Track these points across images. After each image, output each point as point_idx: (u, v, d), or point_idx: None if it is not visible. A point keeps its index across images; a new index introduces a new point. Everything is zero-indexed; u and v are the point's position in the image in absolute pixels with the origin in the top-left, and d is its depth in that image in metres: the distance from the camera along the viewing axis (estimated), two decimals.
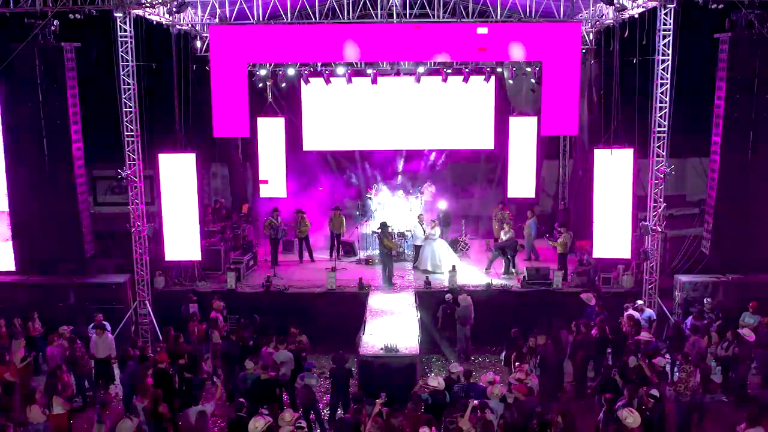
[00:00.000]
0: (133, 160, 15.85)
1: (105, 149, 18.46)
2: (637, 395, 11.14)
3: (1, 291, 16.17)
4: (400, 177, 22.28)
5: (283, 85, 21.95)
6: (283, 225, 19.24)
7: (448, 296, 15.75)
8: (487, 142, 22.28)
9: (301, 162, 22.82)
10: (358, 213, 21.36)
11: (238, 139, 22.68)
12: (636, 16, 15.31)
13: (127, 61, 15.42)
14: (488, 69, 20.33)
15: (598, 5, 16.49)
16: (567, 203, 21.54)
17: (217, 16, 16.94)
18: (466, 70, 20.21)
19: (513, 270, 17.84)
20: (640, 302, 15.16)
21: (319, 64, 19.65)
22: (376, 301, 16.22)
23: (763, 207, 15.81)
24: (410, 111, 21.94)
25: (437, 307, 15.87)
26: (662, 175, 15.47)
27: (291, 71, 20.99)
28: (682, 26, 14.80)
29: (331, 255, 19.56)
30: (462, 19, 16.35)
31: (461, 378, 12.05)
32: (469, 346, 15.72)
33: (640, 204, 16.26)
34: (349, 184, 22.97)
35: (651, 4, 14.67)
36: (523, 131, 20.82)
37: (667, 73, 15.14)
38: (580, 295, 15.54)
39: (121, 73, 15.44)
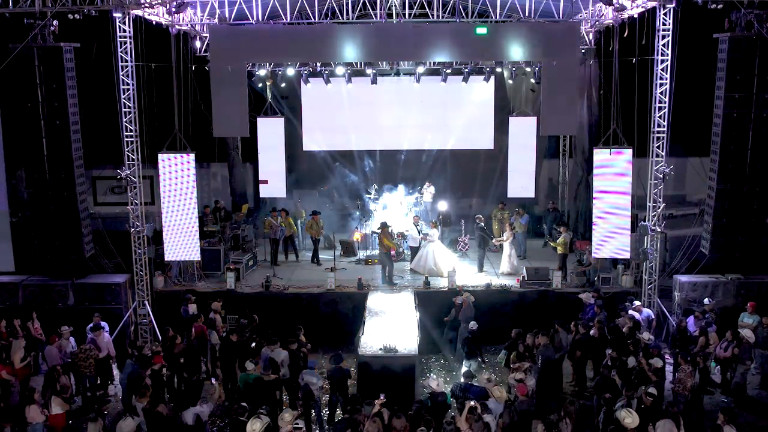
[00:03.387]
0: (133, 160, 15.89)
1: (105, 149, 18.47)
2: (635, 395, 11.14)
3: (1, 291, 16.22)
4: (399, 177, 22.26)
5: (283, 85, 21.98)
6: (283, 225, 19.24)
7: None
8: (486, 142, 22.28)
9: (300, 162, 22.82)
10: (357, 213, 21.35)
11: (238, 139, 22.72)
12: (635, 16, 15.28)
13: (127, 61, 15.47)
14: (488, 69, 20.31)
15: (597, 5, 16.49)
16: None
17: (217, 16, 16.93)
18: (466, 70, 20.20)
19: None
20: (637, 303, 15.16)
21: (319, 64, 19.64)
22: (375, 301, 16.21)
23: (762, 207, 15.79)
24: (410, 111, 21.93)
25: (437, 307, 15.82)
26: (662, 175, 15.46)
27: (291, 71, 21.02)
28: (682, 26, 14.79)
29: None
30: (462, 19, 16.34)
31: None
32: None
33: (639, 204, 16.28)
34: (349, 184, 22.95)
35: (650, 4, 14.65)
36: (523, 131, 20.78)
37: (666, 73, 15.14)
38: (580, 295, 15.55)
39: (121, 73, 15.50)
